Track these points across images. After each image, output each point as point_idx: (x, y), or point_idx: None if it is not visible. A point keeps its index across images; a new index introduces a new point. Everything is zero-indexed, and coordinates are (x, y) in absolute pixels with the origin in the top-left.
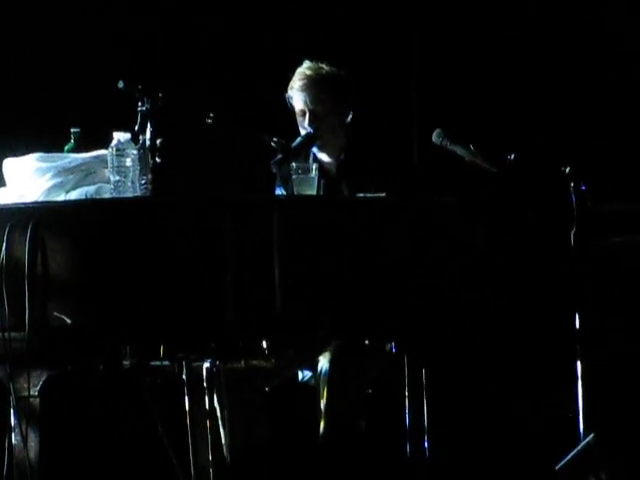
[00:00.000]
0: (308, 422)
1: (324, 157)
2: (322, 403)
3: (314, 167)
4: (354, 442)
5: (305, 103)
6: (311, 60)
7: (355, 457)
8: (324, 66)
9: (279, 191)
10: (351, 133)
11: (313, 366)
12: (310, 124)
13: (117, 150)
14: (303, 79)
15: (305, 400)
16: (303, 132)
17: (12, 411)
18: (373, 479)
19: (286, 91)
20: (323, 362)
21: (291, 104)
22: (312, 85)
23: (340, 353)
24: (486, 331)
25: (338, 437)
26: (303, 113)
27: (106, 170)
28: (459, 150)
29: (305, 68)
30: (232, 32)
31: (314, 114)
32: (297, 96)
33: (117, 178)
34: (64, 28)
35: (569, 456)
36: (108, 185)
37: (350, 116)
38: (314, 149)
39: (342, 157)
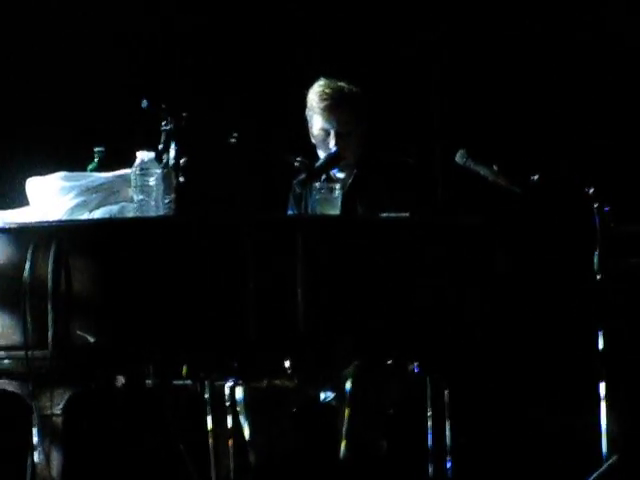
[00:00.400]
0: (329, 442)
1: (339, 173)
2: (343, 423)
3: (337, 187)
4: (375, 462)
5: (330, 123)
6: (326, 78)
7: (376, 477)
8: (343, 84)
9: (291, 211)
10: (367, 149)
11: (337, 387)
12: (336, 145)
13: (141, 169)
14: (325, 100)
15: (326, 420)
16: (321, 151)
17: (35, 430)
18: None
19: (305, 107)
20: (347, 383)
21: (311, 123)
22: (337, 106)
23: (362, 373)
24: (509, 352)
25: (359, 458)
26: (327, 133)
27: (130, 189)
28: (482, 170)
29: (324, 87)
30: (255, 52)
31: (339, 135)
32: (320, 116)
33: (140, 197)
34: (88, 47)
35: (592, 478)
36: (131, 204)
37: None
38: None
39: (355, 172)
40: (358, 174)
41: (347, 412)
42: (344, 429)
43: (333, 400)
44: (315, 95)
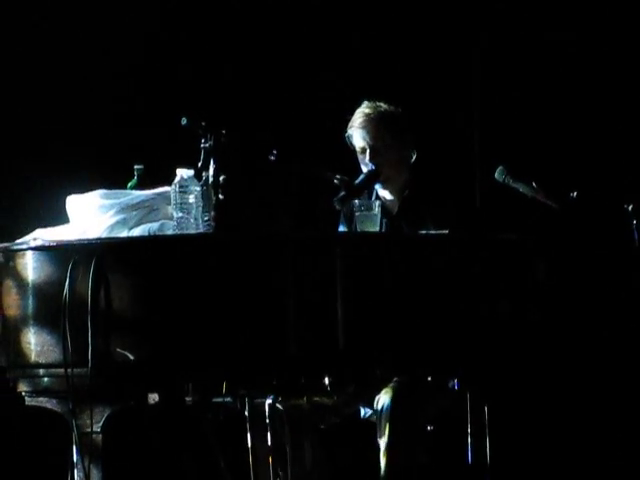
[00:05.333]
0: (369, 459)
1: (386, 195)
2: (382, 440)
3: (377, 204)
4: (415, 479)
5: (365, 140)
6: (369, 100)
7: None
8: (382, 104)
9: (342, 228)
10: (415, 172)
11: (372, 403)
12: (371, 160)
13: (180, 187)
14: (362, 117)
15: (366, 437)
16: (365, 170)
17: (74, 447)
18: None
19: (346, 131)
20: (384, 399)
21: (351, 143)
22: (371, 122)
23: (402, 390)
24: (548, 367)
25: (399, 475)
26: (363, 150)
27: (169, 207)
28: (521, 187)
29: (364, 107)
30: (295, 70)
31: (374, 150)
32: (357, 134)
33: (180, 215)
34: (129, 66)
35: None
36: (171, 222)
37: (414, 155)
38: (377, 186)
39: (405, 194)
40: (407, 198)
41: (387, 429)
42: (383, 446)
43: (373, 416)
44: (355, 115)
